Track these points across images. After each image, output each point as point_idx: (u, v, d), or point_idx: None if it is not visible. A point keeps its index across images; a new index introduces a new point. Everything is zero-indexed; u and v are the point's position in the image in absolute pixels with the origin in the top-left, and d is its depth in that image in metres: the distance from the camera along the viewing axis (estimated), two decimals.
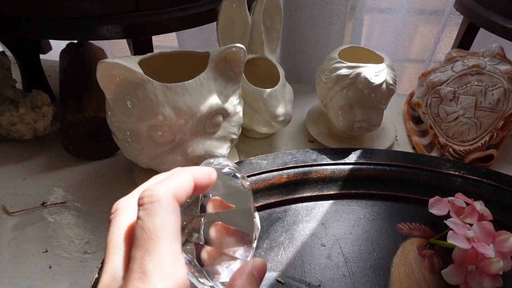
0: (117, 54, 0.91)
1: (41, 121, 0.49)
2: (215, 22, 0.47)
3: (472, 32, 0.60)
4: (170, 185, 0.20)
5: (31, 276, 0.37)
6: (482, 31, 0.60)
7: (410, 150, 0.54)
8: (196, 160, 0.38)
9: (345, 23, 0.62)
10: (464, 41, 0.61)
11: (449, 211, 0.38)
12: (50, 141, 0.53)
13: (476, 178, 0.43)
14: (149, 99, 0.35)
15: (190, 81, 0.36)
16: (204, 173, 0.22)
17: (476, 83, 0.48)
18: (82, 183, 0.47)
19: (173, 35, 0.83)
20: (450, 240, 0.34)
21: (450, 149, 0.49)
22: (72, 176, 0.48)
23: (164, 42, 0.86)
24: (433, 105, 0.52)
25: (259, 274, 0.21)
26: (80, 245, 0.40)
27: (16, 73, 0.57)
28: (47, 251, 0.40)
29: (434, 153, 0.51)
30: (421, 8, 0.72)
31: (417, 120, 0.57)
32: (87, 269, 0.38)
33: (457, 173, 0.44)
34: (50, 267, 0.38)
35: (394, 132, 0.55)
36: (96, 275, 0.34)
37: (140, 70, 0.35)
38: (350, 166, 0.45)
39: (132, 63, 0.36)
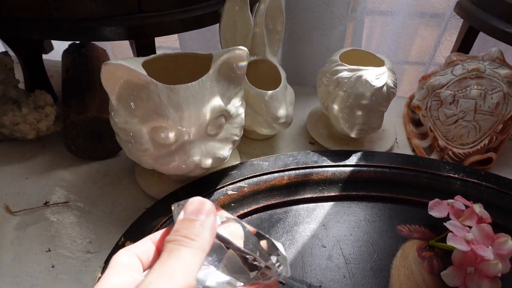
0: (119, 55, 0.91)
1: (44, 121, 0.49)
2: (218, 24, 0.47)
3: (472, 35, 0.61)
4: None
5: (34, 275, 0.38)
6: (481, 35, 0.61)
7: (410, 153, 0.54)
8: (198, 162, 0.38)
9: (346, 26, 0.62)
10: (464, 45, 0.62)
11: (448, 214, 0.39)
12: (53, 141, 0.53)
13: (476, 181, 0.44)
14: (153, 101, 0.36)
15: (193, 83, 0.36)
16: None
17: (475, 86, 0.49)
18: (84, 183, 0.48)
19: (175, 36, 0.83)
20: (450, 242, 0.35)
21: (450, 152, 0.49)
22: (74, 176, 0.49)
23: (166, 43, 0.86)
24: (433, 108, 0.52)
25: None
26: (82, 244, 0.41)
27: (18, 73, 0.57)
28: (50, 251, 0.40)
29: (433, 156, 0.51)
30: (422, 11, 0.72)
31: (417, 123, 0.57)
32: (90, 269, 0.38)
33: (456, 175, 0.44)
34: (53, 266, 0.38)
35: (394, 135, 0.56)
36: (99, 275, 0.34)
37: (144, 72, 0.35)
38: (351, 168, 0.46)
39: (136, 64, 0.36)
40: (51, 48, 0.75)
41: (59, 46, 0.70)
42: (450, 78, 0.51)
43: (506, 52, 0.54)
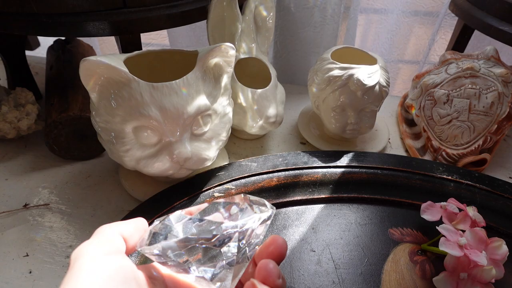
0: (107, 51, 0.89)
1: (25, 120, 0.47)
2: (206, 20, 0.46)
3: (466, 34, 0.60)
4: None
5: (10, 281, 0.36)
6: (476, 33, 0.60)
7: (403, 153, 0.53)
8: (183, 163, 0.37)
9: (338, 23, 0.61)
10: (459, 43, 0.61)
11: (441, 217, 0.37)
12: (35, 141, 0.51)
13: (469, 182, 0.43)
14: (135, 99, 0.34)
15: (177, 80, 0.35)
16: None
17: (470, 86, 0.48)
18: (66, 184, 0.46)
19: (164, 33, 0.81)
20: (442, 247, 0.34)
21: (443, 153, 0.48)
22: (56, 177, 0.47)
23: (156, 40, 0.84)
24: (426, 107, 0.51)
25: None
26: (62, 249, 0.39)
27: (0, 70, 0.55)
28: (27, 255, 0.38)
29: (427, 157, 0.50)
30: (416, 9, 0.71)
31: (410, 123, 0.56)
32: None
33: (450, 177, 0.43)
34: (30, 272, 0.37)
35: (387, 135, 0.54)
36: None
37: (125, 69, 0.34)
38: (342, 170, 0.44)
39: (117, 61, 0.34)
40: (37, 44, 0.73)
41: (46, 43, 0.68)
42: (444, 77, 0.50)
43: (501, 51, 0.53)
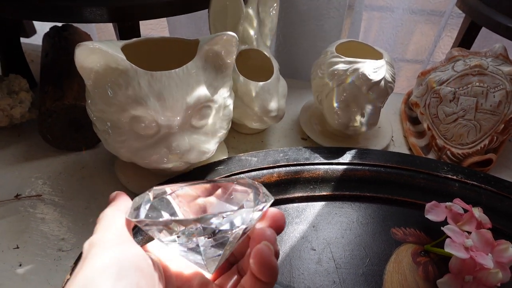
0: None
1: (18, 108, 0.46)
2: (207, 9, 0.44)
3: (473, 31, 0.58)
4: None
5: None
6: (483, 31, 0.59)
7: (406, 152, 0.52)
8: (181, 155, 0.35)
9: (343, 17, 0.59)
10: (465, 41, 0.60)
11: (446, 217, 0.36)
12: (28, 130, 0.50)
13: (475, 183, 0.42)
14: (132, 88, 0.33)
15: (177, 69, 0.33)
16: None
17: (477, 83, 0.46)
18: (60, 175, 0.45)
19: (164, 23, 0.79)
20: (448, 249, 0.32)
21: (448, 152, 0.47)
22: (50, 167, 0.46)
23: (155, 30, 0.82)
24: (432, 105, 0.50)
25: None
26: (54, 241, 0.38)
27: None
28: (18, 248, 0.37)
29: (431, 155, 0.49)
30: (422, 6, 0.70)
31: (414, 121, 0.55)
32: (60, 268, 0.35)
33: (455, 177, 0.42)
34: (20, 265, 0.35)
35: (390, 132, 0.53)
36: (69, 276, 0.31)
37: (122, 56, 0.32)
38: (344, 167, 0.43)
39: (115, 48, 0.33)
40: (33, 31, 0.71)
41: (42, 30, 0.67)
42: (451, 74, 0.49)
43: (510, 49, 0.51)
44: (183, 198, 0.23)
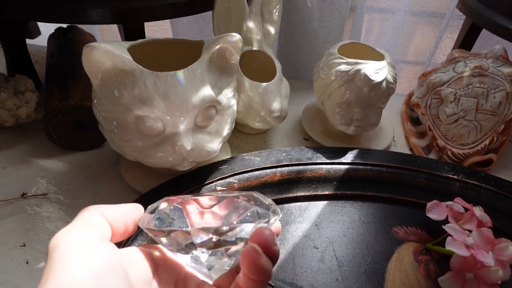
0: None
1: (24, 108, 0.46)
2: (211, 11, 0.45)
3: (474, 33, 0.59)
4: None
5: (6, 271, 0.35)
6: (483, 33, 0.59)
7: (408, 152, 0.52)
8: (186, 155, 0.36)
9: (345, 18, 0.60)
10: (466, 43, 0.60)
11: (447, 216, 0.37)
12: (34, 129, 0.50)
13: (475, 182, 0.42)
14: (138, 88, 0.33)
15: (182, 70, 0.34)
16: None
17: (478, 85, 0.47)
18: (65, 175, 0.45)
19: (167, 24, 0.80)
20: (449, 247, 0.33)
21: (449, 152, 0.48)
22: (55, 166, 0.46)
23: (158, 32, 0.83)
24: (432, 106, 0.50)
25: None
26: None
27: (0, 57, 0.54)
28: (25, 245, 0.37)
29: (431, 156, 0.50)
30: (423, 8, 0.70)
31: (415, 121, 0.56)
32: None
33: (455, 177, 0.43)
34: (27, 262, 0.36)
35: (391, 133, 0.54)
36: None
37: (129, 57, 0.33)
38: (346, 166, 0.44)
39: (121, 48, 0.33)
40: (38, 33, 0.72)
41: (46, 31, 0.67)
42: (452, 75, 0.49)
43: (510, 50, 0.52)
44: (193, 208, 0.23)
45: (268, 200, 0.24)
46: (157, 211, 0.23)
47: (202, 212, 0.23)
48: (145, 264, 0.22)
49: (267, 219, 0.23)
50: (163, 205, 0.23)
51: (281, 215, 0.24)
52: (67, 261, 0.17)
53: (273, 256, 0.21)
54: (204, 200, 0.24)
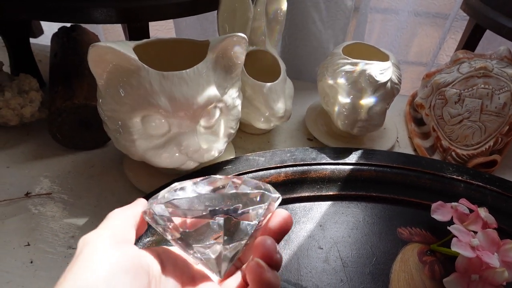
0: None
1: (28, 107, 0.46)
2: (216, 11, 0.45)
3: (478, 34, 0.59)
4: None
5: (11, 271, 0.35)
6: (487, 34, 0.59)
7: (411, 152, 0.52)
8: (191, 155, 0.36)
9: (349, 19, 0.60)
10: (469, 43, 0.60)
11: (452, 217, 0.37)
12: (38, 129, 0.50)
13: (480, 183, 0.42)
14: (143, 88, 0.33)
15: (187, 70, 0.34)
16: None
17: (482, 85, 0.47)
18: (69, 174, 0.45)
19: (170, 24, 0.80)
20: (454, 248, 0.33)
21: (453, 153, 0.48)
22: (59, 166, 0.46)
23: (161, 31, 0.83)
24: (437, 106, 0.50)
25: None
26: (64, 239, 0.38)
27: (4, 56, 0.54)
28: (29, 245, 0.37)
29: (435, 156, 0.49)
30: (426, 9, 0.70)
31: (419, 122, 0.56)
32: None
33: (460, 177, 0.43)
34: (31, 262, 0.36)
35: (395, 133, 0.54)
36: None
37: (134, 56, 0.33)
38: (350, 167, 0.44)
39: (127, 48, 0.33)
40: (41, 32, 0.72)
41: (49, 31, 0.67)
42: (456, 76, 0.49)
43: None
44: (197, 192, 0.24)
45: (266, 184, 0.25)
46: (160, 196, 0.23)
47: (207, 195, 0.24)
48: (156, 264, 0.22)
49: (271, 203, 0.23)
50: (167, 190, 0.24)
51: (281, 197, 0.25)
52: (88, 261, 0.19)
53: (276, 265, 0.22)
54: (208, 183, 0.24)
